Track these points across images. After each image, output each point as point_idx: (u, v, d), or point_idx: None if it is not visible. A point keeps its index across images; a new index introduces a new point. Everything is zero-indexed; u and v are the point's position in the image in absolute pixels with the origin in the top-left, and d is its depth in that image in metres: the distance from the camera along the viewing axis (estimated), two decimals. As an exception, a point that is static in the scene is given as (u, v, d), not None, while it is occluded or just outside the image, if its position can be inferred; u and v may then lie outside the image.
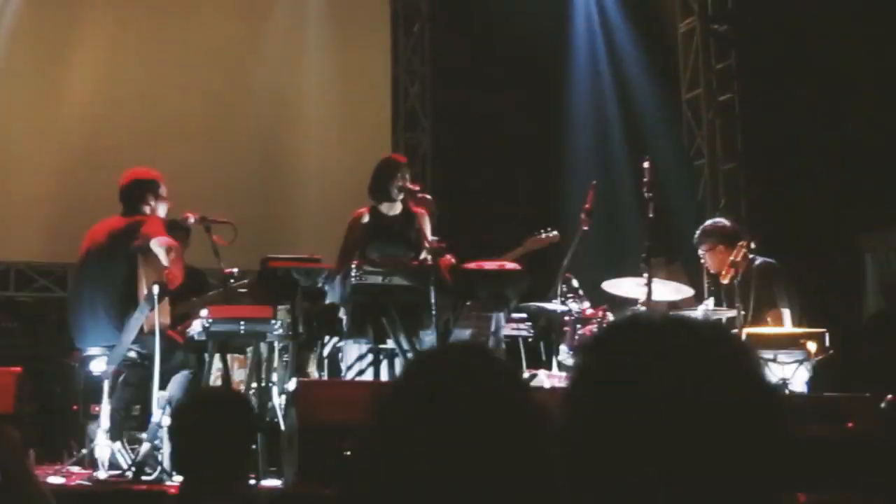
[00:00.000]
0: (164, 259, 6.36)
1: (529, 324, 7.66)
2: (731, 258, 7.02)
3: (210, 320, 6.30)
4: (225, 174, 10.04)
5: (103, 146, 9.54)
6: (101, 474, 5.98)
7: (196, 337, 6.47)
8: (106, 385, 6.32)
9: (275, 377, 6.69)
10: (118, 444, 6.23)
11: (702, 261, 7.44)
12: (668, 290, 7.42)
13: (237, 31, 10.47)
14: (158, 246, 6.37)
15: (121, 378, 6.46)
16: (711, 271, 7.41)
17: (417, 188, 7.16)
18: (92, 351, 6.55)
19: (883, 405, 5.81)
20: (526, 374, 7.12)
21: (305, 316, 6.52)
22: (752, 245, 7.09)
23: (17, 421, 6.35)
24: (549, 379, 7.36)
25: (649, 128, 10.55)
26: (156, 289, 6.18)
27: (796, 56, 9.46)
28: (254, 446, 5.37)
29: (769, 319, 7.16)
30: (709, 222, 7.61)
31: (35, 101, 9.87)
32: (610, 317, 7.17)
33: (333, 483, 4.93)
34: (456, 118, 11.01)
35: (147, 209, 6.69)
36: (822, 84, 9.15)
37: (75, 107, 9.83)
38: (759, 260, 7.22)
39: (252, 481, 5.14)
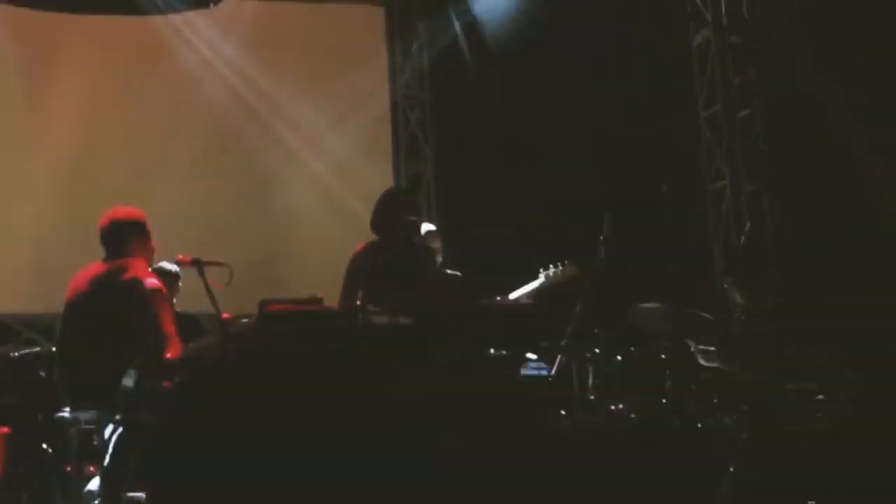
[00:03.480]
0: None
1: (546, 364, 7.35)
2: None
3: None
4: (218, 215, 9.86)
5: (87, 190, 9.37)
6: (98, 538, 5.74)
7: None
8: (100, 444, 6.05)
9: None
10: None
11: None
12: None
13: (226, 68, 10.29)
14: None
15: (115, 436, 6.11)
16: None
17: (420, 220, 6.95)
18: (83, 408, 6.21)
19: None
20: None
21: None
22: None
23: (5, 485, 6.15)
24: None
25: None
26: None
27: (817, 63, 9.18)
28: None
29: None
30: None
31: (12, 147, 9.69)
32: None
33: None
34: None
35: (132, 251, 6.32)
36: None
37: (56, 151, 9.69)
38: None
39: None
